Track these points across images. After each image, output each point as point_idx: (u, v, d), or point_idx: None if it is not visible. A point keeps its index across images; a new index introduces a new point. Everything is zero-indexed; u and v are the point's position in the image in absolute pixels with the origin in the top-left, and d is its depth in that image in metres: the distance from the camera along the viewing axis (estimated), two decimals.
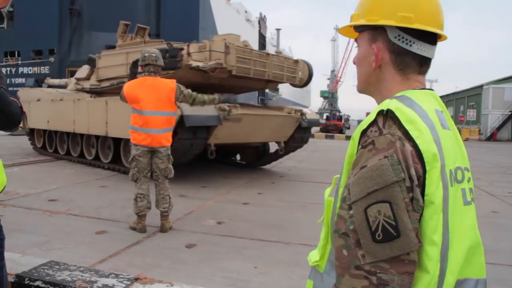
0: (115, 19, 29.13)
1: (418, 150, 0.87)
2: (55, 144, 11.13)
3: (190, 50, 7.52)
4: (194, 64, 7.45)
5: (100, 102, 9.18)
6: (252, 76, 8.04)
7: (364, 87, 1.12)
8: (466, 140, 33.95)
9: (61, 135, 10.95)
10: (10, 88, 12.68)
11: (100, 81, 9.61)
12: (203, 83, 8.08)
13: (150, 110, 4.59)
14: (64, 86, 12.40)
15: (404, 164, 0.84)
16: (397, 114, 0.89)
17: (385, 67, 1.04)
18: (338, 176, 1.08)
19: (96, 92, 9.98)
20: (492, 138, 37.47)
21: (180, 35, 28.27)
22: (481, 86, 42.00)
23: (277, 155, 9.88)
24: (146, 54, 4.74)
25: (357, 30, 1.10)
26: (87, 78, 10.42)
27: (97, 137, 9.50)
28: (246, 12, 43.63)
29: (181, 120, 6.77)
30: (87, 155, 10.03)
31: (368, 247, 0.83)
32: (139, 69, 4.93)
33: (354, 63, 1.13)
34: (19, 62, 32.03)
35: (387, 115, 0.91)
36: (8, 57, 32.68)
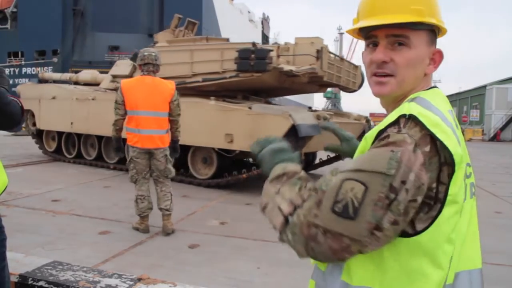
0: (118, 19, 29.40)
1: (449, 153, 0.86)
2: (77, 149, 10.04)
3: (280, 52, 7.17)
4: (287, 68, 7.10)
5: None
6: (326, 81, 7.78)
7: (405, 89, 1.04)
8: (469, 140, 33.86)
9: (86, 139, 9.85)
10: (14, 89, 12.61)
11: None
12: (260, 87, 7.92)
13: (145, 110, 4.54)
14: (66, 81, 11.47)
15: (404, 166, 0.83)
16: (421, 119, 0.88)
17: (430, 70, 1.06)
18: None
19: None
20: (495, 138, 37.38)
21: None
22: (484, 87, 41.92)
23: (323, 163, 9.64)
24: (146, 53, 4.68)
25: (409, 27, 0.99)
26: (130, 75, 9.01)
27: None
28: (249, 12, 43.63)
29: (291, 130, 6.34)
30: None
31: (324, 210, 0.86)
32: (139, 69, 4.84)
33: (386, 61, 1.01)
34: (23, 62, 32.16)
35: (410, 118, 0.89)
36: (12, 58, 32.81)
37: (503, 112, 38.28)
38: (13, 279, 2.76)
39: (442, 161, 0.87)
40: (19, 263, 2.98)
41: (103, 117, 8.52)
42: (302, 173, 0.99)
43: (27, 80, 27.31)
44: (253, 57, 6.94)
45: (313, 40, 7.50)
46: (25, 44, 31.30)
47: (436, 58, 1.05)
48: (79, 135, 9.90)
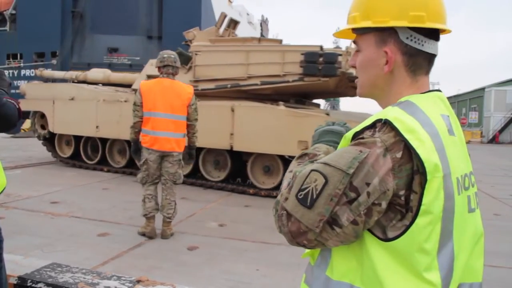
0: (117, 21, 29.38)
1: (420, 160, 0.84)
2: (100, 155, 9.25)
3: (348, 57, 6.85)
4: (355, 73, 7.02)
5: (223, 107, 7.37)
6: None
7: (369, 91, 1.07)
8: (468, 142, 33.88)
9: (112, 144, 9.09)
10: (13, 91, 12.56)
11: (197, 81, 7.80)
12: (314, 91, 7.81)
13: (163, 112, 4.52)
14: (70, 80, 10.62)
15: (367, 168, 0.84)
16: (396, 124, 0.86)
17: (397, 70, 1.00)
18: None
19: None
20: (494, 140, 37.41)
21: (182, 37, 28.41)
22: (483, 89, 41.98)
23: None
24: (165, 55, 4.66)
25: (358, 32, 1.05)
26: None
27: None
28: (248, 14, 43.66)
29: None
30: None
31: (290, 196, 0.91)
32: (158, 71, 4.78)
33: (353, 66, 1.09)
34: (22, 64, 32.14)
35: (386, 123, 0.88)
36: (11, 60, 32.80)
37: (501, 114, 38.33)
38: (12, 281, 2.76)
39: (415, 169, 0.85)
40: (18, 264, 2.98)
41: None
42: (320, 155, 1.03)
43: (26, 82, 27.26)
44: (321, 61, 6.74)
45: None
46: (24, 46, 31.28)
47: (387, 57, 1.00)
48: (103, 140, 9.08)
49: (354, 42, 1.08)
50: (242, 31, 41.87)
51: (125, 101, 8.43)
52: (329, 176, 0.86)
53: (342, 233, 0.86)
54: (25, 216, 5.19)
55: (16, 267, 2.92)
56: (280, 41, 8.17)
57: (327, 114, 6.88)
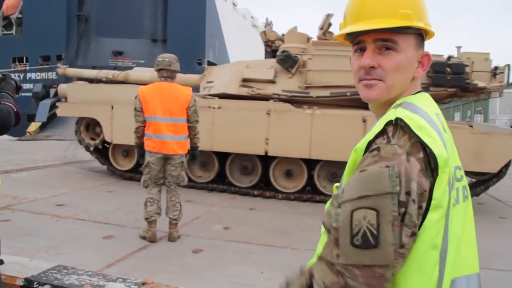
0: (122, 25, 29.49)
1: (433, 155, 0.85)
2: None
3: (474, 68, 6.70)
4: (481, 84, 6.70)
5: (352, 117, 6.79)
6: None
7: (394, 94, 1.02)
8: None
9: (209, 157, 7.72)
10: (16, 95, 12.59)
11: (308, 87, 7.19)
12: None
13: (162, 116, 4.54)
14: (116, 81, 9.42)
15: (404, 178, 0.83)
16: (407, 121, 0.87)
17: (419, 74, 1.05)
18: (338, 184, 1.07)
19: (299, 102, 7.26)
20: None
21: (187, 41, 28.50)
22: None
23: None
24: (160, 59, 4.68)
25: (397, 31, 0.98)
26: (272, 79, 7.38)
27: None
28: (252, 17, 43.72)
29: None
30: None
31: (344, 248, 0.83)
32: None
33: (374, 67, 1.00)
34: (27, 68, 32.30)
35: (397, 125, 0.89)
36: (17, 63, 32.97)
37: (507, 117, 38.19)
38: (19, 282, 2.78)
39: (432, 166, 0.86)
40: (24, 267, 3.00)
41: (236, 130, 7.18)
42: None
43: (31, 85, 27.38)
44: (449, 71, 6.63)
45: (486, 56, 7.08)
46: (29, 50, 31.42)
47: (424, 61, 1.04)
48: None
49: (384, 40, 0.99)
50: (246, 34, 41.91)
51: (219, 108, 7.38)
52: (378, 206, 0.82)
53: (406, 251, 0.84)
54: (30, 218, 5.21)
55: (22, 269, 2.95)
56: None
57: (471, 126, 6.61)
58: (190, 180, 6.88)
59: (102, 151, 8.73)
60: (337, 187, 1.08)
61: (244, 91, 7.47)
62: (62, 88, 9.07)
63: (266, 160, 7.39)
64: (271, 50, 8.32)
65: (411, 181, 0.83)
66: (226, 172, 7.64)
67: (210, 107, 7.36)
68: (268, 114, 7.05)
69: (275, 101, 7.18)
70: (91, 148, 8.64)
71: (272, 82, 7.37)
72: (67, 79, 11.81)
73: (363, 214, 0.82)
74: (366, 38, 1.00)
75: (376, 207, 0.82)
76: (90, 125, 8.76)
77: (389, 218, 0.81)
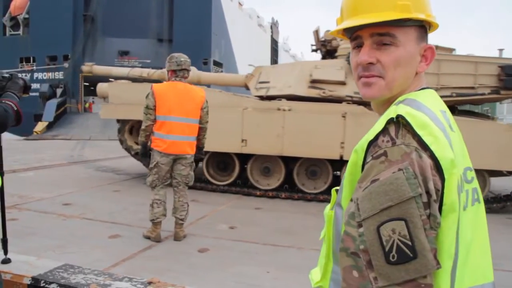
0: (128, 25, 29.62)
1: (434, 158, 0.79)
2: (237, 174, 7.50)
3: None
4: None
5: None
6: None
7: (396, 91, 0.97)
8: None
9: (257, 161, 7.38)
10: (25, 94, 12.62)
11: None
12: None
13: (178, 116, 4.51)
14: (154, 80, 8.29)
15: (421, 177, 0.77)
16: (409, 119, 0.82)
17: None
18: (338, 188, 1.01)
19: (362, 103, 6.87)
20: None
21: (193, 40, 28.57)
22: None
23: None
24: (182, 59, 4.61)
25: (395, 24, 0.92)
26: (343, 80, 7.03)
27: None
28: (258, 17, 43.74)
29: None
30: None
31: (381, 269, 0.76)
32: (169, 74, 4.69)
33: (372, 63, 0.95)
34: (34, 67, 32.51)
35: (399, 123, 0.83)
36: (24, 63, 33.19)
37: None
38: (26, 281, 2.80)
39: (439, 168, 0.81)
40: (31, 265, 3.02)
41: (308, 134, 6.80)
42: None
43: (38, 85, 27.55)
44: (502, 73, 6.70)
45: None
46: (36, 50, 31.63)
47: (428, 54, 0.97)
48: (243, 156, 7.39)
49: (381, 34, 0.94)
50: (252, 34, 41.91)
51: (289, 110, 6.97)
52: (404, 214, 0.75)
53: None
54: (37, 217, 5.24)
55: (29, 267, 2.96)
56: (453, 49, 7.80)
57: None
58: (251, 186, 7.25)
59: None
60: (336, 190, 1.02)
61: (314, 93, 7.14)
62: (102, 87, 8.59)
63: (286, 160, 7.22)
64: (326, 50, 8.29)
65: (428, 181, 0.78)
66: (295, 178, 7.27)
67: (280, 109, 6.99)
68: (344, 117, 6.75)
69: (348, 103, 6.92)
70: (132, 152, 8.16)
71: (343, 83, 7.06)
72: (73, 80, 11.55)
73: (391, 228, 0.76)
74: (363, 33, 0.95)
75: (402, 216, 0.75)
76: (134, 129, 8.16)
77: (420, 224, 0.75)
